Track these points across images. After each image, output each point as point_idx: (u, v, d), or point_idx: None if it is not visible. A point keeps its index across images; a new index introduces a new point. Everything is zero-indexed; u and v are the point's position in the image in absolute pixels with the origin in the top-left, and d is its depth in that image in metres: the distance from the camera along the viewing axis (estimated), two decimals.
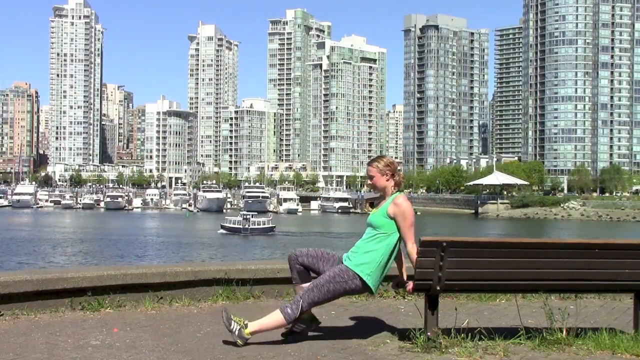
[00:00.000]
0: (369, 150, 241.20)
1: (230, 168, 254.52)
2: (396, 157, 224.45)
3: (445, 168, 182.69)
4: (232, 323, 4.52)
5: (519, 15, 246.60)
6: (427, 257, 4.47)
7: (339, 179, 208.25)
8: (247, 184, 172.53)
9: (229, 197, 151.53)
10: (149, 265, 7.52)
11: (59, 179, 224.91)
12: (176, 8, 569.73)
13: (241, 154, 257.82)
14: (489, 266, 4.57)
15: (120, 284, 5.78)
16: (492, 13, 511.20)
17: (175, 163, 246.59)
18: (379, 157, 4.90)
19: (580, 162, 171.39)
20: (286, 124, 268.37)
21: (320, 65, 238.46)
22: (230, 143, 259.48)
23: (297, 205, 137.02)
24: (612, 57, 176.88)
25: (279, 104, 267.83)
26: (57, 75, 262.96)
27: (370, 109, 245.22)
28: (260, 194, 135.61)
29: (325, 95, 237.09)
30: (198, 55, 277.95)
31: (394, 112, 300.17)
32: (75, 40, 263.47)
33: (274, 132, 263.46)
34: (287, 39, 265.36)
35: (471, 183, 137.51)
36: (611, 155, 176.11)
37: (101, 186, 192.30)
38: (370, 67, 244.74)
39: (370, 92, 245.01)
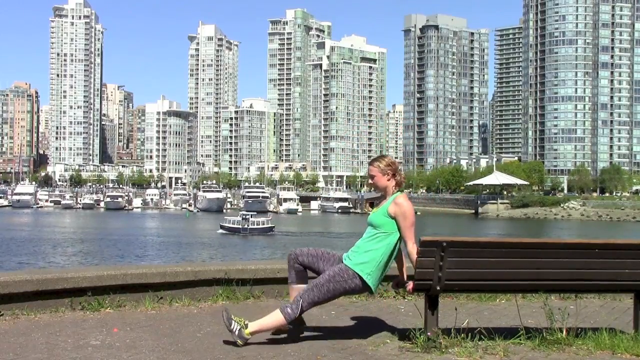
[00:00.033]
0: (369, 150, 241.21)
1: (230, 168, 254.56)
2: (396, 157, 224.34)
3: (445, 168, 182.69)
4: (232, 323, 4.53)
5: (519, 15, 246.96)
6: (427, 257, 4.47)
7: (339, 179, 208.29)
8: (247, 184, 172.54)
9: (229, 197, 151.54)
10: (149, 265, 7.52)
11: (59, 179, 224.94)
12: (176, 8, 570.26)
13: (241, 154, 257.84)
14: (489, 266, 4.57)
15: (120, 284, 5.78)
16: (492, 13, 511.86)
17: (175, 163, 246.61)
18: (381, 157, 4.90)
19: (580, 162, 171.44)
20: (286, 124, 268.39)
21: (320, 65, 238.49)
22: (230, 143, 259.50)
23: (297, 205, 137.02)
24: (612, 57, 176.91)
25: (279, 104, 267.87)
26: (57, 75, 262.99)
27: (370, 109, 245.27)
28: (260, 194, 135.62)
29: (325, 95, 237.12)
30: (198, 55, 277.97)
31: (394, 112, 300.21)
32: (75, 40, 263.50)
33: (274, 132, 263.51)
34: (287, 39, 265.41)
35: (471, 183, 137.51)
36: (611, 155, 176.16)
37: (101, 186, 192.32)
38: (370, 67, 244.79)
39: (370, 92, 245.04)
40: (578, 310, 5.63)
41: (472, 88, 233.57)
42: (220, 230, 71.98)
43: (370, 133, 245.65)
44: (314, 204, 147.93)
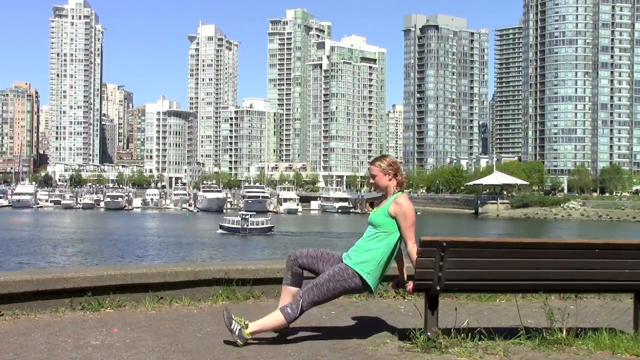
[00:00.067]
0: (369, 150, 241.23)
1: (230, 168, 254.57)
2: (396, 157, 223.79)
3: (445, 168, 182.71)
4: (232, 323, 4.53)
5: (519, 15, 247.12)
6: (427, 257, 4.47)
7: (339, 179, 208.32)
8: (247, 184, 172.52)
9: (229, 197, 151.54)
10: (149, 265, 7.52)
11: (59, 179, 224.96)
12: (176, 8, 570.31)
13: (241, 154, 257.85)
14: (489, 266, 4.57)
15: (120, 284, 5.78)
16: (492, 13, 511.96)
17: (175, 163, 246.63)
18: (382, 157, 4.92)
19: (580, 162, 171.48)
20: (286, 124, 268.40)
21: (320, 65, 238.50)
22: (230, 143, 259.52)
23: (297, 205, 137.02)
24: (612, 57, 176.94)
25: (279, 104, 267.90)
26: (57, 75, 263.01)
27: (370, 109, 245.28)
28: (260, 194, 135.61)
29: (325, 95, 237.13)
30: (198, 55, 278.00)
31: (394, 112, 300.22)
32: (75, 40, 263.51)
33: (274, 132, 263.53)
34: (287, 39, 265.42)
35: (471, 183, 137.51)
36: (611, 155, 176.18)
37: (101, 186, 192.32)
38: (370, 67, 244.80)
39: (370, 92, 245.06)
40: (578, 310, 5.63)
41: (472, 88, 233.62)
42: (220, 230, 71.94)
43: (370, 133, 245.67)
44: (314, 204, 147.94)
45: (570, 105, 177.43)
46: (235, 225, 70.86)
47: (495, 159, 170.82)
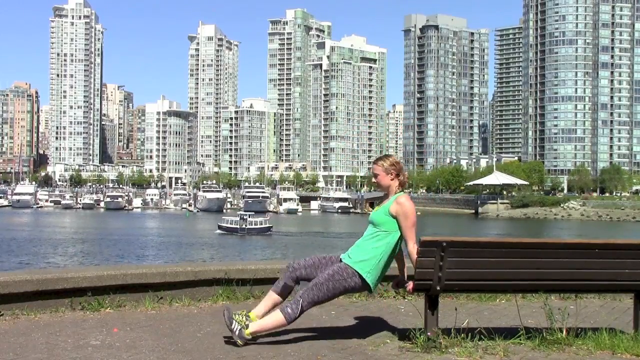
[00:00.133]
0: (369, 150, 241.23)
1: (230, 168, 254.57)
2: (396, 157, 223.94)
3: (445, 168, 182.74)
4: (233, 323, 4.53)
5: (519, 15, 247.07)
6: (427, 257, 4.47)
7: (339, 179, 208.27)
8: (247, 184, 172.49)
9: (229, 197, 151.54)
10: (149, 265, 7.52)
11: (59, 179, 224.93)
12: (176, 8, 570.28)
13: (241, 154, 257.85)
14: (489, 266, 4.57)
15: (120, 284, 5.78)
16: (492, 13, 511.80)
17: (175, 163, 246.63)
18: (385, 156, 4.93)
19: (580, 162, 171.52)
20: (286, 124, 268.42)
21: (320, 65, 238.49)
22: (230, 143, 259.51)
23: (297, 205, 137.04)
24: (612, 57, 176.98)
25: (279, 104, 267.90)
26: (57, 75, 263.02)
27: (370, 109, 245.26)
28: (260, 194, 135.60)
29: (325, 95, 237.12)
30: (198, 55, 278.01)
31: (394, 112, 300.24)
32: (75, 40, 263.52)
33: (274, 132, 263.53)
34: (287, 39, 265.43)
35: (471, 183, 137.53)
36: (611, 155, 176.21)
37: (101, 186, 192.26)
38: (370, 67, 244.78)
39: (370, 92, 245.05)
40: (578, 310, 5.64)
41: (472, 88, 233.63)
42: (218, 231, 71.92)
43: (370, 133, 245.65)
44: (314, 204, 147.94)
45: (570, 105, 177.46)
46: (234, 226, 70.84)
47: (495, 159, 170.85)
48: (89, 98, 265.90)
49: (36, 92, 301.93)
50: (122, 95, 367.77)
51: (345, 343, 4.67)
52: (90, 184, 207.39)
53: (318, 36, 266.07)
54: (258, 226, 71.12)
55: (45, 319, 5.27)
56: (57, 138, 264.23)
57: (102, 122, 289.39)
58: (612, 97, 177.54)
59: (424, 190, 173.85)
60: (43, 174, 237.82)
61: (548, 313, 4.81)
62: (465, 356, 4.34)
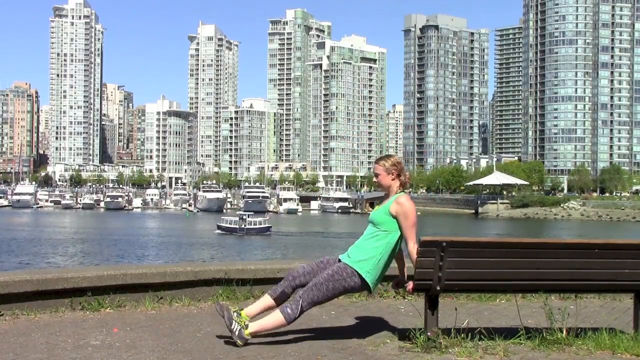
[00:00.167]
0: (369, 150, 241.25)
1: (230, 168, 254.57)
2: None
3: (445, 168, 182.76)
4: (233, 323, 4.53)
5: (519, 15, 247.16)
6: (427, 257, 4.47)
7: (339, 179, 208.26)
8: (247, 184, 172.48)
9: (229, 197, 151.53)
10: (149, 265, 7.52)
11: (59, 179, 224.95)
12: (176, 8, 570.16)
13: (241, 154, 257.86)
14: (489, 266, 4.57)
15: (120, 284, 5.78)
16: (492, 13, 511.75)
17: (175, 163, 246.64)
18: (387, 156, 4.94)
19: (580, 162, 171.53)
20: (286, 124, 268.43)
21: (320, 65, 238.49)
22: (230, 143, 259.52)
23: (297, 205, 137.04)
24: (612, 57, 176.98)
25: (279, 104, 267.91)
26: (57, 75, 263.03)
27: (370, 109, 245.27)
28: (260, 194, 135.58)
29: (325, 95, 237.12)
30: (198, 55, 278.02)
31: (394, 112, 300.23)
32: (75, 40, 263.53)
33: (274, 132, 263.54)
34: (287, 39, 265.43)
35: (471, 183, 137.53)
36: (611, 155, 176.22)
37: (101, 186, 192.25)
38: (370, 67, 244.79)
39: (370, 92, 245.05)
40: (578, 310, 5.64)
41: (472, 88, 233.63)
42: (218, 231, 71.90)
43: (370, 133, 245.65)
44: (314, 204, 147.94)
45: (570, 105, 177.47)
46: (233, 225, 70.81)
47: (495, 159, 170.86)
48: (89, 98, 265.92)
49: (36, 92, 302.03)
50: (122, 95, 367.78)
51: (345, 343, 4.67)
52: (90, 184, 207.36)
53: (318, 36, 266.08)
54: (257, 226, 71.07)
55: (45, 319, 5.27)
56: (57, 138, 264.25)
57: (102, 122, 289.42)
58: (612, 97, 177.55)
59: (424, 190, 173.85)
60: (43, 174, 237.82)
61: (548, 313, 4.81)
62: (465, 356, 4.34)
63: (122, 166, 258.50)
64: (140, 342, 4.59)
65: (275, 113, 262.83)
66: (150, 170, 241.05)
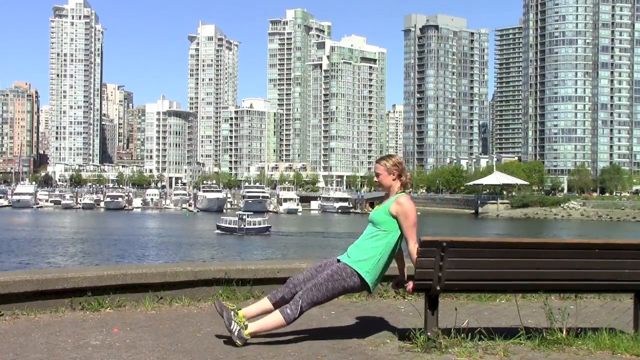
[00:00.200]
0: (369, 150, 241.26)
1: (230, 168, 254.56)
2: None
3: (445, 168, 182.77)
4: (232, 323, 4.53)
5: (519, 15, 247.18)
6: (427, 257, 4.47)
7: (339, 179, 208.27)
8: (247, 184, 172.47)
9: (229, 197, 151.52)
10: (149, 265, 7.52)
11: (59, 179, 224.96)
12: (176, 8, 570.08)
13: (241, 154, 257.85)
14: (489, 266, 4.57)
15: (120, 284, 5.78)
16: (492, 13, 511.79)
17: (175, 163, 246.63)
18: (388, 156, 4.94)
19: (580, 162, 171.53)
20: (286, 124, 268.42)
21: (320, 65, 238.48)
22: (230, 143, 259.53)
23: (297, 205, 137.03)
24: (612, 57, 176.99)
25: (279, 104, 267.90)
26: (57, 75, 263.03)
27: (370, 109, 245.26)
28: (260, 194, 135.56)
29: (325, 95, 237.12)
30: (198, 55, 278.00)
31: (394, 112, 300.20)
32: (75, 40, 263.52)
33: (274, 132, 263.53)
34: (287, 39, 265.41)
35: (471, 183, 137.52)
36: (611, 155, 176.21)
37: (101, 186, 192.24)
38: (370, 67, 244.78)
39: (370, 92, 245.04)
40: (578, 310, 5.64)
41: (472, 88, 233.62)
42: (217, 231, 71.88)
43: (370, 133, 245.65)
44: (314, 204, 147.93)
45: (570, 105, 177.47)
46: (232, 225, 70.79)
47: (495, 159, 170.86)
48: (89, 98, 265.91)
49: (36, 92, 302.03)
50: (122, 95, 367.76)
51: (345, 343, 4.67)
52: (90, 184, 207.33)
53: (318, 36, 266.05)
54: (257, 226, 71.03)
55: (45, 319, 5.27)
56: (57, 138, 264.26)
57: (102, 122, 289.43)
58: (612, 97, 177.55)
59: (424, 190, 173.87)
60: (43, 174, 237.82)
61: (548, 313, 4.81)
62: (465, 356, 4.34)
63: (122, 166, 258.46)
64: (140, 342, 4.59)
65: (275, 113, 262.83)
66: (150, 170, 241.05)
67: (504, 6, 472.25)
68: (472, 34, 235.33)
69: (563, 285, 4.98)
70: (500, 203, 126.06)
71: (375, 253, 4.68)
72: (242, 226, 69.55)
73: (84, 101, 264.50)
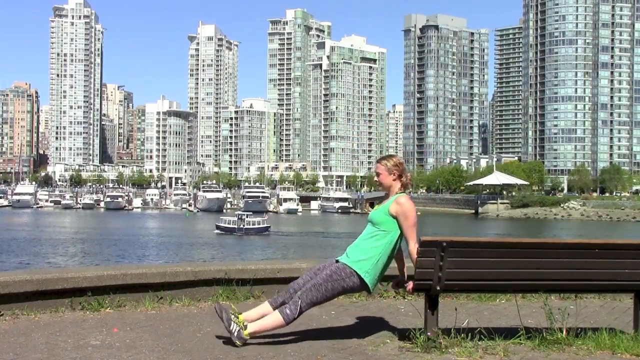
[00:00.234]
0: (369, 150, 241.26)
1: (230, 168, 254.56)
2: None
3: (445, 168, 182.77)
4: (231, 324, 4.53)
5: (519, 15, 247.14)
6: (427, 257, 4.47)
7: (339, 179, 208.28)
8: (247, 184, 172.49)
9: (229, 197, 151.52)
10: (149, 265, 7.52)
11: (59, 179, 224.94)
12: (176, 8, 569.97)
13: (241, 154, 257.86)
14: (489, 266, 4.57)
15: (120, 284, 5.78)
16: (492, 13, 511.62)
17: (175, 163, 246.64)
18: (389, 156, 4.94)
19: (580, 162, 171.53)
20: (286, 124, 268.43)
21: (320, 65, 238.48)
22: (230, 143, 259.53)
23: (297, 205, 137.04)
24: (612, 57, 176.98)
25: (279, 104, 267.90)
26: (57, 75, 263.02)
27: (370, 109, 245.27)
28: (260, 194, 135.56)
29: (325, 95, 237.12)
30: (198, 55, 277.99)
31: (394, 112, 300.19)
32: (75, 40, 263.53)
33: (274, 132, 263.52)
34: (287, 39, 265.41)
35: (471, 183, 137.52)
36: (611, 155, 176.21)
37: (101, 186, 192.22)
38: (370, 67, 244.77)
39: (370, 92, 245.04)
40: (578, 310, 5.64)
41: (472, 88, 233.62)
42: (216, 231, 71.86)
43: (370, 133, 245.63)
44: (314, 204, 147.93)
45: (570, 105, 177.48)
46: (231, 225, 70.77)
47: (495, 159, 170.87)
48: (89, 98, 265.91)
49: (36, 92, 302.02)
50: (122, 95, 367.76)
51: (345, 343, 4.67)
52: (90, 184, 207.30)
53: (318, 36, 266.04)
54: (256, 226, 71.00)
55: (45, 319, 5.27)
56: (57, 138, 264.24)
57: (102, 122, 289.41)
58: (612, 97, 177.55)
59: (424, 190, 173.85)
60: (43, 174, 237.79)
61: (548, 313, 4.81)
62: (465, 356, 4.34)
63: (122, 166, 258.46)
64: (140, 342, 4.59)
65: (275, 113, 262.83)
66: (150, 170, 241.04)
67: (504, 6, 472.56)
68: (472, 34, 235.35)
69: (563, 285, 4.98)
70: (500, 203, 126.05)
71: (374, 253, 4.68)
72: (242, 226, 69.52)
73: (84, 101, 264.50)
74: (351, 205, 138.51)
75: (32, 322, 5.15)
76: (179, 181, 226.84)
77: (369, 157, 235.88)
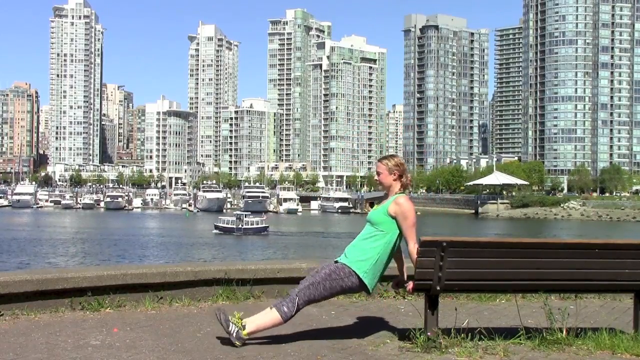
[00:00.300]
0: (369, 150, 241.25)
1: (230, 168, 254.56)
2: None
3: (445, 168, 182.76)
4: (230, 325, 4.52)
5: (519, 15, 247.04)
6: (427, 257, 4.47)
7: (339, 179, 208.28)
8: (247, 184, 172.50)
9: (229, 197, 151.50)
10: (149, 265, 7.52)
11: (59, 179, 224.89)
12: (176, 8, 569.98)
13: (241, 154, 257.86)
14: (489, 266, 4.57)
15: (120, 284, 5.78)
16: (492, 13, 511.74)
17: (175, 163, 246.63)
18: (390, 156, 4.94)
19: (580, 162, 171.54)
20: (286, 124, 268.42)
21: (320, 66, 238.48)
22: (230, 143, 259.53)
23: (297, 205, 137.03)
24: (612, 57, 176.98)
25: (279, 104, 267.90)
26: (57, 75, 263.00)
27: (370, 109, 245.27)
28: (260, 194, 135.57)
29: (325, 95, 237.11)
30: (198, 55, 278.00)
31: (394, 112, 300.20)
32: (75, 40, 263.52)
33: (274, 132, 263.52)
34: (287, 39, 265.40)
35: (471, 183, 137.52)
36: (611, 155, 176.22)
37: (101, 186, 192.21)
38: (370, 67, 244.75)
39: (370, 92, 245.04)
40: (578, 310, 5.64)
41: (472, 88, 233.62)
42: (215, 231, 71.82)
43: (370, 133, 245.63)
44: (314, 204, 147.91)
45: (570, 105, 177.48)
46: (230, 225, 70.72)
47: (495, 159, 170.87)
48: (89, 98, 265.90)
49: (36, 92, 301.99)
50: (122, 95, 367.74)
51: (345, 343, 4.67)
52: (90, 184, 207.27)
53: (318, 36, 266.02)
54: (254, 226, 70.94)
55: (45, 319, 5.27)
56: (57, 138, 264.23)
57: (102, 122, 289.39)
58: (612, 97, 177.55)
59: (424, 190, 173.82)
60: (43, 174, 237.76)
61: (548, 313, 4.81)
62: (465, 356, 4.34)
63: (122, 166, 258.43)
64: (140, 342, 4.59)
65: (275, 113, 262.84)
66: (150, 170, 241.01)
67: (504, 6, 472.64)
68: (472, 34, 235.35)
69: (563, 285, 4.98)
70: (500, 203, 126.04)
71: (373, 254, 4.68)
72: (240, 226, 69.47)
73: (84, 101, 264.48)
74: (351, 205, 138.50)
75: (32, 322, 5.15)
76: (179, 181, 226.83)
77: (369, 157, 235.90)
